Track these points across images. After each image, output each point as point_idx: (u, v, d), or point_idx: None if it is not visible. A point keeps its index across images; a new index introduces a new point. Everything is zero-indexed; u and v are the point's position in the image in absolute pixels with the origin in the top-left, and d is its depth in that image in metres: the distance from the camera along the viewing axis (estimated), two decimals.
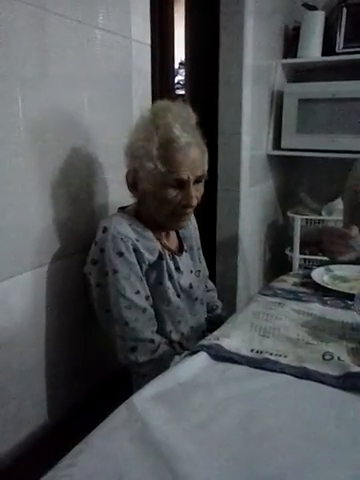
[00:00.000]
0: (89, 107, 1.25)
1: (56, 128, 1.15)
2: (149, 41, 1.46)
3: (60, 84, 1.15)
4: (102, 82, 1.29)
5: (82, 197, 1.28)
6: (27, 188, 1.09)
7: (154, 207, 1.20)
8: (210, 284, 1.57)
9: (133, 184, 1.21)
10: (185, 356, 0.93)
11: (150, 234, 1.22)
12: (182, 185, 1.15)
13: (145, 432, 0.69)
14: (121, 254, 1.14)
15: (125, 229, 1.16)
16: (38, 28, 1.07)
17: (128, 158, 1.21)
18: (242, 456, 0.66)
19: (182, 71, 3.32)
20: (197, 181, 1.19)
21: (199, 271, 1.39)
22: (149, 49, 1.46)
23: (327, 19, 2.42)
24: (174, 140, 1.12)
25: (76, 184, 1.25)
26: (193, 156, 1.15)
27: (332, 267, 1.42)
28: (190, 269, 1.35)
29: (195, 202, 1.18)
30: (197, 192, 1.19)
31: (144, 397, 0.78)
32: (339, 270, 1.41)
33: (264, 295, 1.23)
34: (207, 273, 1.54)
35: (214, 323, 1.42)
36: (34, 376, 1.19)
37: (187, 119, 1.18)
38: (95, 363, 1.37)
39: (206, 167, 1.22)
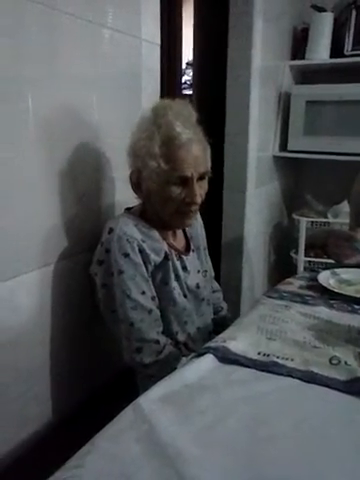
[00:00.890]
0: (98, 106, 1.25)
1: (65, 127, 1.16)
2: (159, 41, 1.46)
3: (70, 83, 1.15)
4: (111, 81, 1.29)
5: (89, 196, 1.28)
6: (35, 187, 1.09)
7: (159, 206, 1.20)
8: (216, 285, 1.57)
9: (137, 184, 1.21)
10: (192, 358, 0.93)
11: (156, 234, 1.22)
12: (186, 182, 1.15)
13: (152, 434, 0.69)
14: (127, 255, 1.13)
15: (131, 230, 1.16)
16: (48, 27, 1.07)
17: (131, 158, 1.21)
18: (248, 459, 0.65)
19: (189, 71, 3.32)
20: (201, 178, 1.18)
21: (206, 271, 1.39)
22: (158, 49, 1.47)
23: (336, 21, 2.40)
24: (176, 137, 1.13)
25: (83, 183, 1.25)
26: (195, 153, 1.15)
27: (338, 270, 1.42)
28: (197, 269, 1.34)
29: (199, 199, 1.18)
30: (201, 189, 1.19)
31: (151, 399, 0.78)
32: (345, 273, 1.40)
33: (270, 298, 1.23)
34: (213, 274, 1.54)
35: (219, 325, 1.42)
36: (39, 375, 1.19)
37: (188, 116, 1.18)
38: (100, 363, 1.37)
39: (209, 164, 1.22)
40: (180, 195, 1.16)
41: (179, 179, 1.14)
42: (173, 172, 1.13)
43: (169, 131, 1.13)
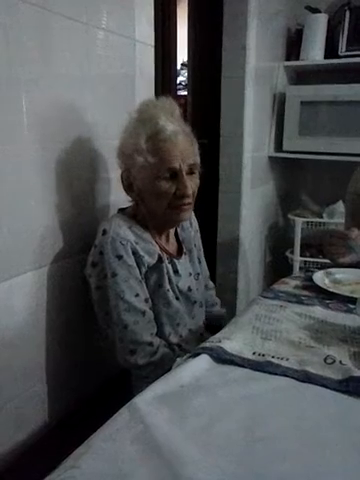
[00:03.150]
0: (92, 107, 1.25)
1: (59, 128, 1.16)
2: (153, 42, 1.46)
3: (63, 84, 1.15)
4: (105, 83, 1.29)
5: (84, 197, 1.28)
6: (30, 189, 1.09)
7: (151, 203, 1.19)
8: (210, 284, 1.57)
9: (129, 185, 1.21)
10: (187, 358, 0.93)
11: (149, 236, 1.22)
12: (175, 175, 1.15)
13: (147, 434, 0.69)
14: (120, 257, 1.13)
15: (124, 232, 1.16)
16: (42, 28, 1.07)
17: (120, 159, 1.21)
18: (244, 459, 0.65)
19: (184, 72, 3.32)
20: (191, 172, 1.18)
21: (198, 274, 1.39)
22: (152, 50, 1.47)
23: (330, 22, 2.42)
24: (160, 130, 1.14)
25: (78, 185, 1.25)
26: (182, 145, 1.15)
27: (333, 270, 1.42)
28: (189, 272, 1.34)
29: (190, 191, 1.17)
30: (192, 183, 1.19)
31: (146, 399, 0.77)
32: (340, 273, 1.41)
33: (266, 298, 1.23)
34: (208, 274, 1.54)
35: (214, 319, 1.45)
36: (35, 376, 1.18)
37: (171, 110, 1.19)
38: (96, 364, 1.36)
39: (198, 158, 1.22)
40: (170, 189, 1.16)
41: (168, 172, 1.15)
42: (161, 165, 1.14)
43: (153, 125, 1.14)
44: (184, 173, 1.16)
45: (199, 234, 1.46)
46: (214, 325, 1.43)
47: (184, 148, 1.16)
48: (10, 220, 1.04)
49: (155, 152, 1.14)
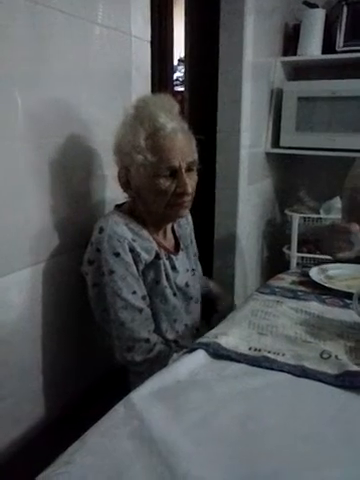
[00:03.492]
0: (88, 104, 1.25)
1: (55, 125, 1.15)
2: (149, 37, 1.45)
3: (59, 80, 1.14)
4: (101, 78, 1.28)
5: (80, 194, 1.28)
6: (25, 185, 1.09)
7: (151, 201, 1.19)
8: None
9: (126, 182, 1.21)
10: (183, 354, 0.93)
11: (146, 233, 1.21)
12: (174, 173, 1.15)
13: (143, 430, 0.68)
14: (117, 254, 1.13)
15: (121, 229, 1.15)
16: (37, 24, 1.06)
17: (117, 157, 1.21)
18: (240, 454, 0.65)
19: (181, 68, 3.31)
20: (189, 169, 1.18)
21: (194, 270, 1.39)
22: (149, 45, 1.46)
23: (327, 17, 2.41)
24: (160, 128, 1.13)
25: (74, 181, 1.25)
26: (181, 142, 1.15)
27: (328, 266, 1.42)
28: (186, 268, 1.34)
29: (190, 189, 1.17)
30: (191, 180, 1.18)
31: (142, 394, 0.77)
32: (336, 269, 1.41)
33: (262, 293, 1.23)
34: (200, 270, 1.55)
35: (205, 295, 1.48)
36: (31, 373, 1.18)
37: (170, 108, 1.18)
38: (92, 360, 1.36)
39: (196, 155, 1.22)
40: (170, 187, 1.16)
41: (167, 170, 1.14)
42: (161, 163, 1.13)
43: (152, 123, 1.13)
44: (183, 171, 1.15)
45: (193, 234, 1.46)
46: (210, 298, 1.50)
47: (183, 146, 1.16)
48: (5, 217, 1.04)
49: (154, 150, 1.13)
